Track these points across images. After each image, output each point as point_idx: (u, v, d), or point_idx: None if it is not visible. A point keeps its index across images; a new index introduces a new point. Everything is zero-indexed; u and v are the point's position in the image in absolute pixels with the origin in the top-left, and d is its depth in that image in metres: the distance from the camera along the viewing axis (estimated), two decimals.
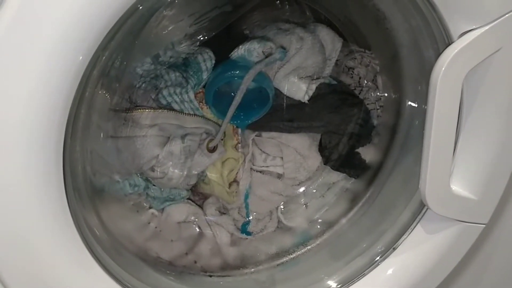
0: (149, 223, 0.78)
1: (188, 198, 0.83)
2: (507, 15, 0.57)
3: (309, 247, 0.84)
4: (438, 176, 0.64)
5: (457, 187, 0.67)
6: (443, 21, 0.58)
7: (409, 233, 0.72)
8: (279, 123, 0.80)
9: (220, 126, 0.77)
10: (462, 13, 0.57)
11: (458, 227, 0.70)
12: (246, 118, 0.78)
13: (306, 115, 0.80)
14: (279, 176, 0.84)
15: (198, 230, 0.82)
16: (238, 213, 0.85)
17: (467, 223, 0.70)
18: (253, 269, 0.82)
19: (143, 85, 0.72)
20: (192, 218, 0.82)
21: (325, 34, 0.80)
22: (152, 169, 0.74)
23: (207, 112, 0.77)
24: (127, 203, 0.76)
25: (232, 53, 0.76)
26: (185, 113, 0.74)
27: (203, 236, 0.82)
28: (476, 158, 0.66)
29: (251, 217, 0.85)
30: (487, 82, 0.61)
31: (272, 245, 0.85)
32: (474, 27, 0.57)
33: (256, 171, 0.84)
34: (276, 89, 0.79)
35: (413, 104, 0.75)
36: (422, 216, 0.71)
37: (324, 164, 0.85)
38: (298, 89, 0.77)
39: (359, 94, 0.85)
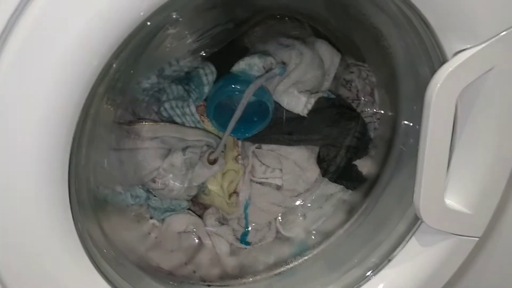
0: (149, 233, 0.79)
1: (188, 209, 0.85)
2: (499, 35, 0.58)
3: (306, 257, 0.85)
4: (432, 190, 0.65)
5: (451, 201, 0.68)
6: (437, 40, 0.60)
7: (404, 246, 0.73)
8: (279, 136, 0.82)
9: (220, 138, 0.79)
10: (456, 33, 0.59)
11: (452, 240, 0.71)
12: (247, 131, 0.80)
13: (305, 128, 0.81)
14: (278, 187, 0.86)
15: (197, 240, 0.83)
16: (238, 223, 0.86)
17: (461, 236, 0.71)
18: (251, 279, 0.83)
19: (146, 98, 0.74)
20: (192, 228, 0.83)
21: (324, 49, 0.82)
22: (154, 181, 0.76)
23: (208, 125, 0.79)
24: (129, 214, 0.78)
25: (233, 67, 0.78)
26: (187, 126, 0.76)
27: (202, 246, 0.83)
28: (470, 173, 0.67)
29: (250, 228, 0.86)
30: (480, 99, 0.62)
31: (271, 255, 0.86)
32: (468, 46, 0.59)
33: (256, 183, 0.85)
34: (276, 103, 0.80)
35: (408, 122, 0.77)
36: (417, 228, 0.72)
37: (322, 176, 0.86)
38: (298, 103, 0.79)
39: (357, 107, 0.87)
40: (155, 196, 0.79)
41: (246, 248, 0.86)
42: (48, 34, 0.47)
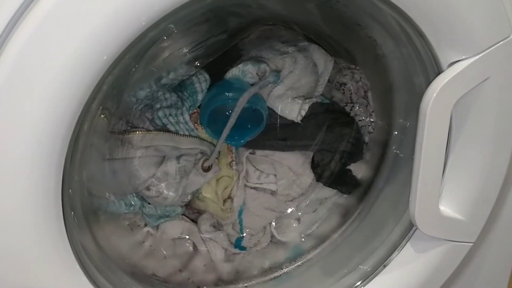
0: (143, 242, 0.79)
1: (183, 214, 0.84)
2: (494, 47, 0.58)
3: (301, 262, 0.85)
4: (427, 198, 0.66)
5: (446, 208, 0.69)
6: (433, 51, 0.60)
7: (399, 251, 0.73)
8: (273, 141, 0.81)
9: (214, 146, 0.78)
10: (451, 44, 0.59)
11: (446, 246, 0.71)
12: (240, 138, 0.79)
13: (299, 134, 0.81)
14: (273, 192, 0.85)
15: (192, 246, 0.83)
16: (232, 228, 0.86)
17: (455, 242, 0.72)
18: (246, 284, 0.83)
19: (140, 107, 0.73)
20: (187, 234, 0.83)
21: (318, 55, 0.82)
22: (148, 188, 0.76)
23: (202, 132, 0.78)
24: (122, 223, 0.77)
25: (226, 74, 0.77)
26: (180, 134, 0.75)
27: (197, 253, 0.83)
28: (464, 181, 0.68)
29: (244, 233, 0.86)
30: (475, 109, 0.63)
31: (266, 260, 0.86)
32: (463, 57, 0.59)
33: (250, 188, 0.85)
34: (270, 109, 0.80)
35: (402, 130, 0.77)
36: (412, 234, 0.73)
37: (317, 181, 0.86)
38: (292, 110, 0.79)
39: (351, 110, 0.86)
40: (149, 203, 0.79)
41: (240, 253, 0.86)
42: (44, 46, 0.46)
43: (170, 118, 0.74)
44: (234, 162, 0.84)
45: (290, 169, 0.84)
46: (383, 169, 0.82)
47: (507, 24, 0.58)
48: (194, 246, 0.84)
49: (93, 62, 0.48)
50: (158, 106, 0.74)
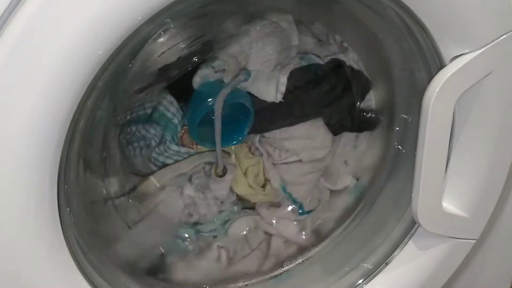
0: (219, 257, 0.81)
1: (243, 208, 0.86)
2: (497, 40, 0.58)
3: (302, 259, 0.84)
4: (429, 194, 0.65)
5: (449, 205, 0.68)
6: (435, 45, 0.59)
7: (401, 249, 0.73)
8: (274, 121, 0.79)
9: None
10: (454, 38, 0.58)
11: (449, 243, 0.71)
12: (239, 135, 0.78)
13: (296, 107, 0.78)
14: (300, 161, 0.83)
15: (264, 233, 0.85)
16: (287, 201, 0.86)
17: (458, 239, 0.71)
18: (247, 283, 0.82)
19: (136, 152, 0.74)
20: (254, 226, 0.84)
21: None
22: (190, 216, 0.78)
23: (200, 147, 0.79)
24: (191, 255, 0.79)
25: (193, 84, 0.74)
26: (178, 161, 0.76)
27: (271, 237, 0.85)
28: (468, 177, 0.67)
29: (302, 201, 0.85)
30: (478, 104, 0.62)
31: (336, 212, 0.86)
32: (466, 51, 0.58)
33: (279, 164, 0.83)
34: (252, 95, 0.76)
35: (404, 124, 0.76)
36: (414, 232, 0.72)
37: (334, 135, 0.83)
38: (268, 92, 0.74)
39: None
40: (201, 224, 0.80)
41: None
42: (38, 41, 0.45)
43: (163, 154, 0.75)
44: (251, 150, 0.83)
45: (304, 138, 0.81)
46: (384, 165, 0.81)
47: (510, 17, 0.57)
48: (266, 232, 0.85)
49: (88, 57, 0.47)
50: (151, 143, 0.75)
